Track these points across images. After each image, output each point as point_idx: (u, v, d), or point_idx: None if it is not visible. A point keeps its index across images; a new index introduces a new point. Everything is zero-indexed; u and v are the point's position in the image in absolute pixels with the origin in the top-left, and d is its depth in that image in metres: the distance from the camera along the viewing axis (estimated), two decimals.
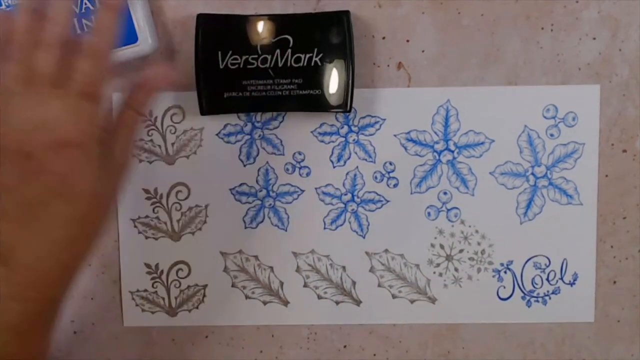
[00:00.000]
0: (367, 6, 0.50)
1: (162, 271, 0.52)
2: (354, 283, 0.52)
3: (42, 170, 0.39)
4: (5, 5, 0.48)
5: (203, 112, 0.49)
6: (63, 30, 0.40)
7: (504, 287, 0.52)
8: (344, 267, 0.52)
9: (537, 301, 0.52)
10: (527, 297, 0.52)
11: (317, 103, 0.49)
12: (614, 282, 0.53)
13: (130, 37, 0.48)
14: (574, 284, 0.52)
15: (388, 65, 0.51)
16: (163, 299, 0.52)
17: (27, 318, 0.40)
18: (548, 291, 0.52)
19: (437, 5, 0.50)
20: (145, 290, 0.52)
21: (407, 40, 0.51)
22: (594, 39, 0.51)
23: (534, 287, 0.52)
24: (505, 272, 0.52)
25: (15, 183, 0.39)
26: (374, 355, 0.54)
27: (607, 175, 0.52)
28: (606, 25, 0.50)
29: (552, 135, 0.51)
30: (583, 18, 0.50)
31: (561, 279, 0.52)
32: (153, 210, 0.52)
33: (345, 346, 0.54)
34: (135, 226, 0.52)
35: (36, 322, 0.41)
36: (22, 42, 0.40)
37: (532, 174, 0.51)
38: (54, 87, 0.39)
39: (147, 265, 0.52)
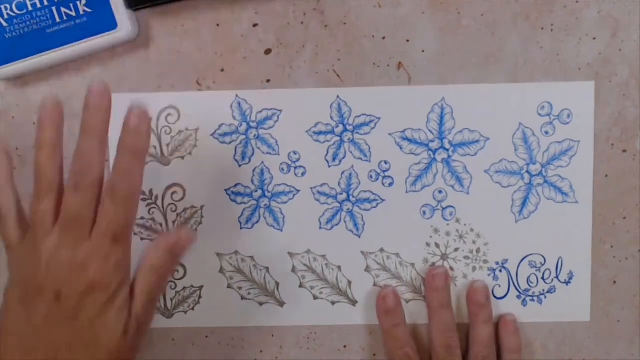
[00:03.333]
0: (367, 6, 0.51)
1: None
2: (349, 283, 0.52)
3: (72, 315, 0.40)
4: (6, 16, 0.48)
5: (129, 5, 0.49)
6: (97, 174, 0.40)
7: (499, 286, 0.52)
8: (339, 267, 0.52)
9: (533, 300, 0.52)
10: (523, 296, 0.52)
11: None
12: (614, 282, 0.53)
13: (110, 23, 0.49)
14: (570, 282, 0.52)
15: (388, 65, 0.51)
16: (158, 300, 0.52)
17: None
18: (543, 290, 0.52)
19: (437, 5, 0.50)
20: None
21: (407, 40, 0.51)
22: (594, 39, 0.51)
23: (529, 286, 0.52)
24: (500, 271, 0.52)
25: (44, 324, 0.40)
26: (374, 355, 0.54)
27: (607, 175, 0.52)
28: (606, 25, 0.51)
29: (547, 132, 0.51)
30: (583, 18, 0.50)
31: (557, 277, 0.52)
32: (148, 211, 0.51)
33: (345, 346, 0.53)
34: None
35: None
36: (56, 182, 0.41)
37: (528, 172, 0.51)
38: (85, 230, 0.40)
39: None
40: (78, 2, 0.48)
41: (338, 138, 0.51)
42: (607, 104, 0.51)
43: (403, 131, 0.51)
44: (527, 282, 0.52)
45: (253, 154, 0.51)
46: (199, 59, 0.51)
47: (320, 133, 0.51)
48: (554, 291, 0.52)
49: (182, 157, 0.51)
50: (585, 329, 0.53)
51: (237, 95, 0.51)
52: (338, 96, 0.51)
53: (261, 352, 0.54)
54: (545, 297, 0.52)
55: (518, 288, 0.52)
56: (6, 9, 0.48)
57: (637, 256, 0.53)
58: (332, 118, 0.51)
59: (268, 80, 0.51)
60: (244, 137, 0.51)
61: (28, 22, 0.48)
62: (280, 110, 0.51)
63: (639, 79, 0.51)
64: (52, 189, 0.41)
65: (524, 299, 0.52)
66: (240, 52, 0.51)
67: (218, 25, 0.51)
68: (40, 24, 0.48)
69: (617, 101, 0.51)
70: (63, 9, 0.48)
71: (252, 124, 0.51)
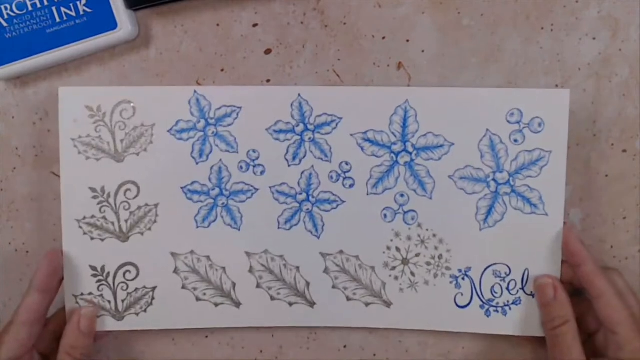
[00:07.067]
0: (367, 6, 0.50)
1: (108, 273, 0.51)
2: (307, 284, 0.51)
3: None
4: (6, 16, 0.49)
5: (129, 5, 0.49)
6: None
7: (462, 294, 0.50)
8: (297, 268, 0.51)
9: (497, 311, 0.50)
10: (486, 306, 0.50)
11: None
12: None
13: (110, 23, 0.49)
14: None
15: (388, 65, 0.50)
16: (109, 302, 0.51)
17: None
18: (508, 301, 0.50)
19: (437, 5, 0.50)
20: (91, 294, 0.51)
21: (407, 40, 0.50)
22: (594, 39, 0.49)
23: (493, 296, 0.50)
24: (463, 279, 0.50)
25: None
26: (374, 355, 0.53)
27: (607, 175, 0.51)
28: (606, 25, 0.49)
29: (516, 140, 0.48)
30: (583, 18, 0.49)
31: (522, 289, 0.49)
32: (100, 209, 0.50)
33: (345, 346, 0.53)
34: (80, 227, 0.50)
35: None
36: None
37: (494, 179, 0.48)
38: None
39: (93, 268, 0.50)
40: (78, 2, 0.49)
41: (298, 137, 0.49)
42: (607, 104, 0.50)
43: (365, 132, 0.49)
44: (491, 292, 0.50)
45: (211, 152, 0.50)
46: (199, 59, 0.51)
47: (280, 132, 0.49)
48: (519, 303, 0.50)
49: (137, 154, 0.50)
50: None
51: (195, 91, 0.49)
52: (299, 95, 0.49)
53: (261, 352, 0.54)
54: (510, 309, 0.50)
55: (481, 297, 0.50)
56: (6, 9, 0.49)
57: (637, 256, 0.52)
58: (292, 117, 0.49)
59: (268, 80, 0.51)
60: (201, 133, 0.50)
61: (28, 22, 0.49)
62: (240, 107, 0.49)
63: (639, 79, 0.50)
64: None
65: (488, 309, 0.50)
66: (240, 52, 0.51)
67: (218, 25, 0.51)
68: (40, 24, 0.49)
69: (617, 101, 0.50)
70: (63, 9, 0.49)
71: (210, 121, 0.49)
